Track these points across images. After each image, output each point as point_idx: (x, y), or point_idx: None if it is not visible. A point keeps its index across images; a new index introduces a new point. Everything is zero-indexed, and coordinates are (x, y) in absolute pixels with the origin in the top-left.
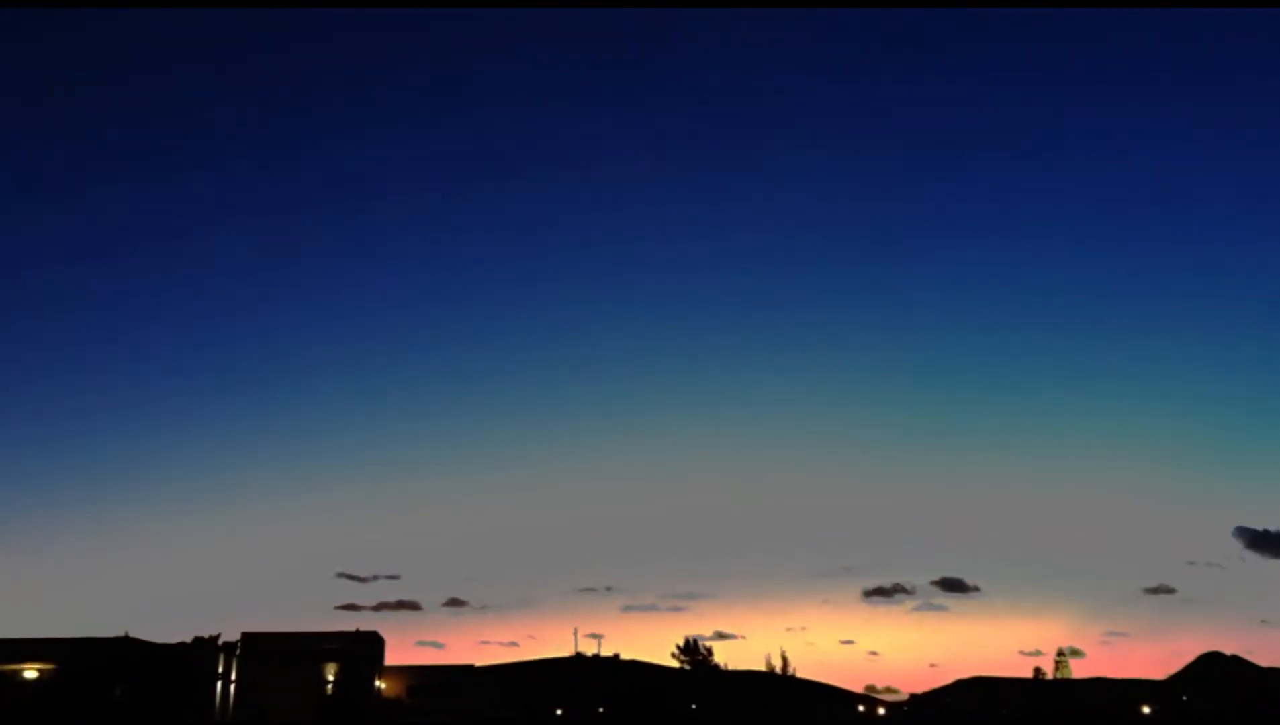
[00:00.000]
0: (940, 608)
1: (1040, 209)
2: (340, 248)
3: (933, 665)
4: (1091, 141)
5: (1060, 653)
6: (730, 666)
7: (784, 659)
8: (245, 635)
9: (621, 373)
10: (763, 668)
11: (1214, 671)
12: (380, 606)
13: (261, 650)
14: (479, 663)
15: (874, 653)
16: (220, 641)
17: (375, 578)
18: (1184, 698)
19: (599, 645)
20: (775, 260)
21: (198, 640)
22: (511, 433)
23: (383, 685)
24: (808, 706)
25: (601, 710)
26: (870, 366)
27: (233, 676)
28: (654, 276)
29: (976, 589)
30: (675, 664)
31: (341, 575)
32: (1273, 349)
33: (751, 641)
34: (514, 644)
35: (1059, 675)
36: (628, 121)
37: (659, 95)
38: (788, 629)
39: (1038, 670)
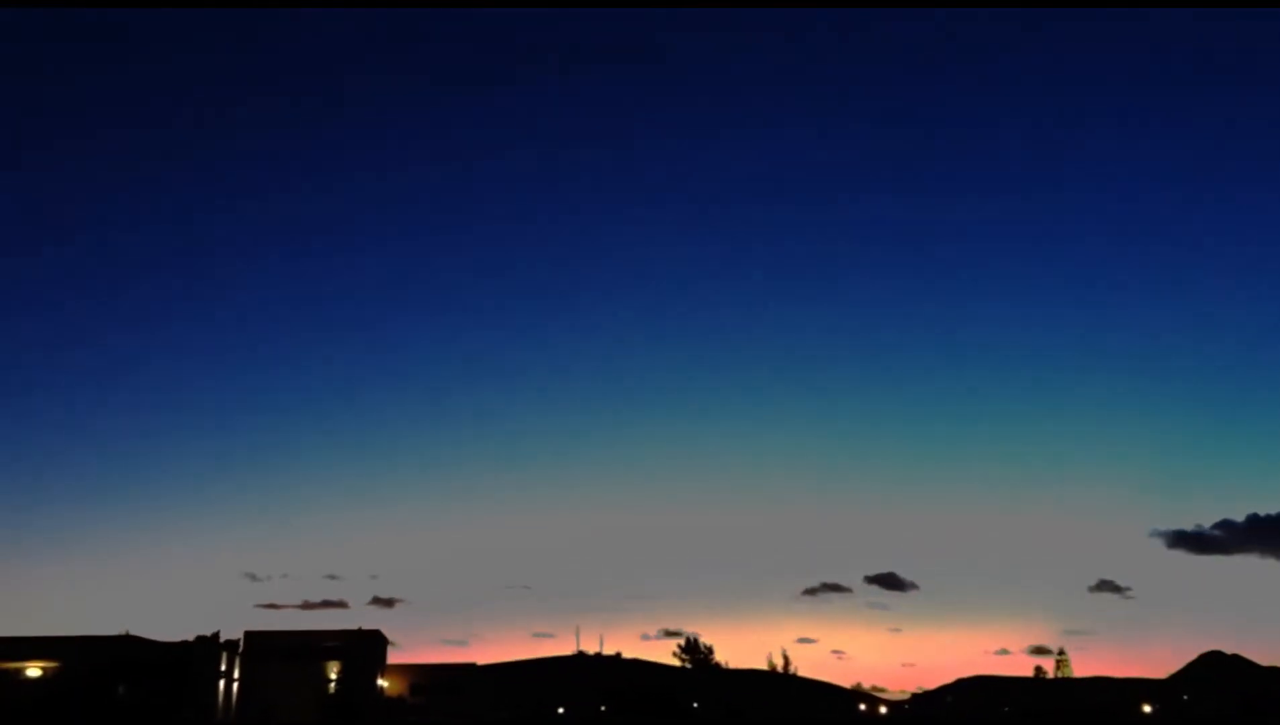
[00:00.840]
0: (881, 605)
1: (954, 248)
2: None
3: (906, 664)
4: (1004, 182)
5: (1060, 652)
6: (731, 665)
7: (785, 658)
8: (247, 634)
9: (554, 384)
10: (764, 666)
11: (1214, 671)
12: (306, 605)
13: (264, 649)
14: (480, 661)
15: (838, 652)
16: (222, 640)
17: (269, 577)
18: (1185, 697)
19: (600, 644)
20: (717, 289)
21: (200, 639)
22: (435, 437)
23: (385, 684)
24: (809, 705)
25: (603, 709)
26: (800, 380)
27: (235, 675)
28: (582, 300)
29: (915, 586)
30: (676, 663)
31: (246, 575)
32: (1175, 371)
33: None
34: (462, 643)
35: (1060, 674)
36: (630, 163)
37: (650, 136)
38: (735, 628)
39: (1038, 669)
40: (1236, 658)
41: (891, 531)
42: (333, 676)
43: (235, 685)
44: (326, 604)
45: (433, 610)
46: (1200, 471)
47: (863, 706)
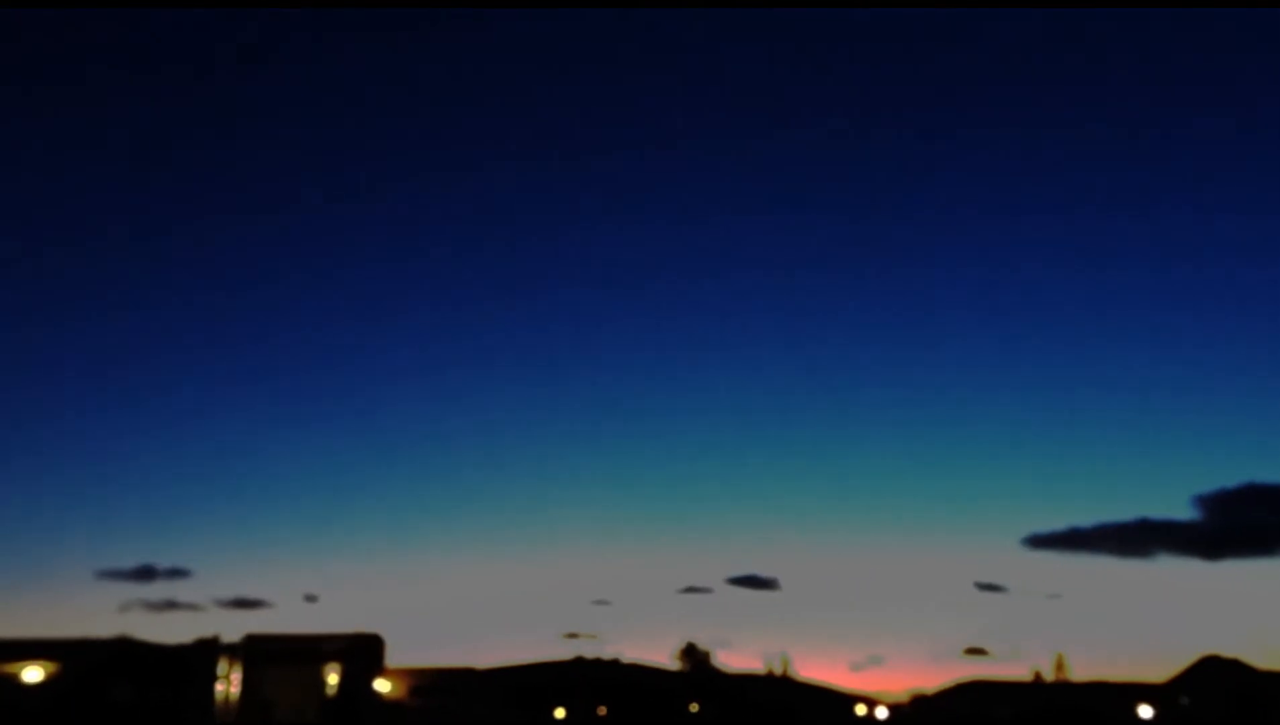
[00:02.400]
0: (752, 604)
1: (815, 261)
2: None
3: (854, 667)
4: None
5: (1058, 655)
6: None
7: (782, 661)
8: (247, 637)
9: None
10: (763, 670)
11: (1212, 674)
12: (161, 607)
13: (263, 652)
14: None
15: (769, 655)
16: (222, 643)
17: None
18: (1182, 700)
19: (599, 647)
20: (575, 302)
21: (199, 642)
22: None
23: (384, 687)
24: (807, 707)
25: (602, 712)
26: (671, 393)
27: (235, 678)
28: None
29: (776, 584)
30: (675, 666)
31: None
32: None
33: (610, 645)
34: None
35: (1058, 677)
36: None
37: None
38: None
39: (1036, 673)
40: (1235, 661)
41: (763, 535)
42: (332, 679)
43: (235, 688)
44: (177, 604)
45: (290, 608)
46: (1070, 478)
47: (862, 709)
